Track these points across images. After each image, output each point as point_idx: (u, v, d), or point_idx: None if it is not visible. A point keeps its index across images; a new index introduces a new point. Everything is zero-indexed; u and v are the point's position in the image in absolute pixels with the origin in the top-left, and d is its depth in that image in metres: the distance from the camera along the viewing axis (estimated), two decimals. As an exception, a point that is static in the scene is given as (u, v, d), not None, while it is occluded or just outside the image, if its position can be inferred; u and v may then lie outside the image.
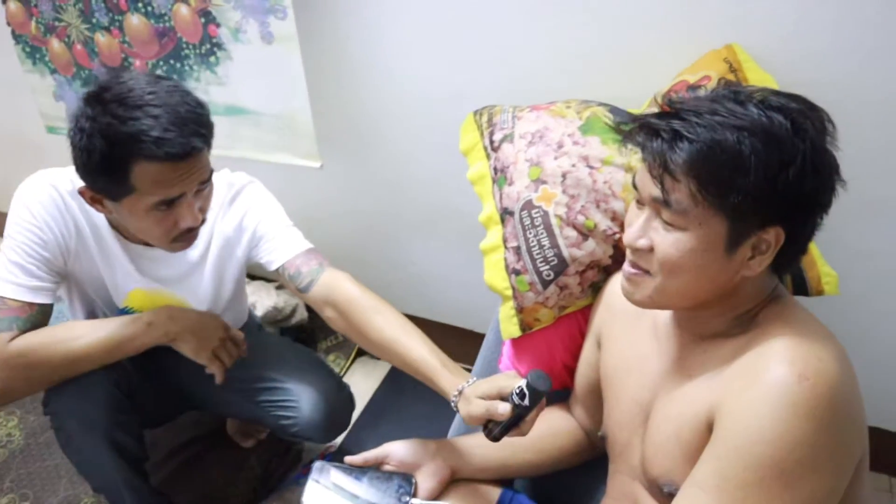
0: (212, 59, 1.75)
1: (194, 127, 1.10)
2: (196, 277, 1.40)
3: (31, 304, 1.22)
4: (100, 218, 1.29)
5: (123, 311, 1.41)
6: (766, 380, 0.75)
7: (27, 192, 1.24)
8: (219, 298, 1.45)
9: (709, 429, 0.81)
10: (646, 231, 0.84)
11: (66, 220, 1.25)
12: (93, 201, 1.18)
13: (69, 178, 1.26)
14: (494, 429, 1.01)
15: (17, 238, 1.22)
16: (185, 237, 1.23)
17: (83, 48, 1.87)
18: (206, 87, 1.80)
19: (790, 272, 0.93)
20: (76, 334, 1.23)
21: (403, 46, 1.61)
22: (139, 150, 1.07)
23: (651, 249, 0.84)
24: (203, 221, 1.23)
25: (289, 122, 1.77)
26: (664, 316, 0.99)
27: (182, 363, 1.42)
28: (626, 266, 0.89)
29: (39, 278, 1.24)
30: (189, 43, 1.73)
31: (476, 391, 1.04)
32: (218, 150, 1.89)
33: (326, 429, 1.48)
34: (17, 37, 1.95)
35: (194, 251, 1.37)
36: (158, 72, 1.81)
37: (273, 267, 1.36)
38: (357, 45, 1.65)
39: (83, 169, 1.13)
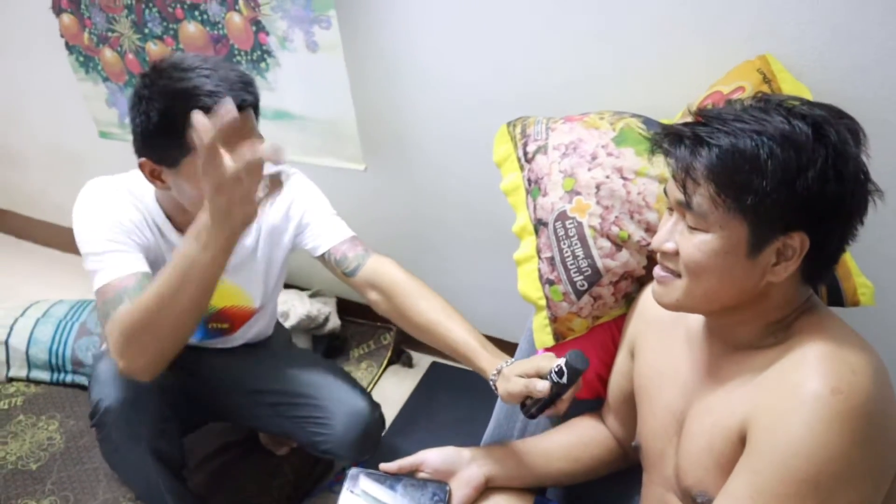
0: (262, 65, 1.80)
1: (243, 86, 1.16)
2: (249, 265, 1.44)
3: (133, 274, 1.20)
4: (159, 215, 1.32)
5: None
6: (800, 393, 0.75)
7: (89, 196, 1.27)
8: (268, 287, 1.49)
9: (741, 440, 0.81)
10: (672, 235, 0.87)
11: (133, 212, 1.28)
12: (152, 176, 1.21)
13: (121, 181, 1.30)
14: (532, 406, 1.04)
15: (96, 233, 1.22)
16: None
17: (135, 57, 1.94)
18: (256, 91, 1.86)
19: (824, 283, 0.93)
20: (153, 283, 1.12)
21: (443, 55, 1.64)
22: (195, 104, 1.09)
23: (677, 253, 0.86)
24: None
25: (333, 126, 1.82)
26: (697, 325, 0.99)
27: (217, 376, 1.44)
28: (657, 269, 0.91)
29: (132, 254, 1.24)
30: (241, 50, 1.79)
31: (515, 370, 1.08)
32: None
33: (358, 448, 1.49)
34: (70, 47, 2.03)
35: (247, 239, 1.41)
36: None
37: (319, 252, 1.40)
38: (398, 52, 1.69)
39: (142, 137, 1.17)
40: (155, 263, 1.31)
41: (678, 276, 0.87)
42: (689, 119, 0.87)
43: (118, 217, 1.25)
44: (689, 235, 0.84)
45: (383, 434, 1.60)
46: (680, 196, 0.83)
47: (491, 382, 1.13)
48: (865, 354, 0.78)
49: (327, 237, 1.40)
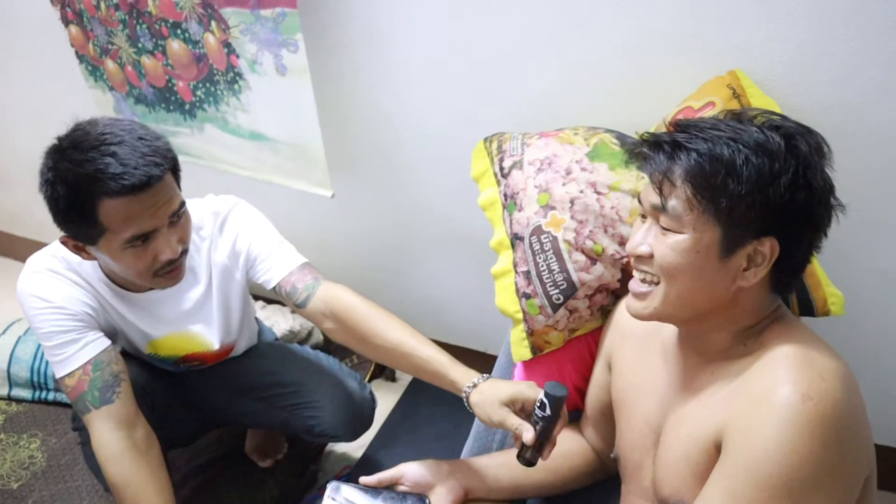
0: (235, 86, 1.81)
1: (151, 158, 1.12)
2: (206, 310, 1.43)
3: (84, 367, 1.25)
4: (104, 286, 1.32)
5: (151, 357, 1.47)
6: (771, 400, 0.77)
7: (30, 284, 1.26)
8: (230, 325, 1.48)
9: (717, 448, 0.83)
10: (646, 239, 0.89)
11: (74, 290, 1.28)
12: (76, 249, 1.21)
13: (58, 253, 1.29)
14: (526, 453, 1.04)
15: (44, 326, 1.25)
16: (170, 272, 1.24)
17: (133, 69, 1.95)
18: (233, 111, 1.87)
19: (791, 291, 0.95)
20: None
21: (412, 76, 1.64)
22: (100, 189, 1.09)
23: (651, 256, 0.88)
24: (184, 253, 1.24)
25: (302, 150, 1.82)
26: (671, 338, 1.01)
27: (208, 381, 1.45)
28: (633, 283, 0.93)
29: (82, 340, 1.27)
30: (218, 69, 1.80)
31: (498, 394, 1.07)
32: (246, 171, 1.95)
33: (351, 426, 1.53)
34: (80, 56, 2.05)
35: (199, 289, 1.40)
36: (198, 93, 1.88)
37: (270, 286, 1.38)
38: (367, 75, 1.69)
39: (55, 218, 1.16)
40: (106, 326, 1.34)
41: (655, 283, 0.89)
42: (663, 131, 0.90)
43: (61, 303, 1.26)
44: (663, 237, 0.86)
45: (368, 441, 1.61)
46: (656, 199, 0.86)
47: (463, 395, 1.12)
48: (834, 361, 0.80)
49: (276, 269, 1.37)
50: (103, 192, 1.09)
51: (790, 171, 0.80)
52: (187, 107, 1.93)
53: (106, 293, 1.32)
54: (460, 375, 1.15)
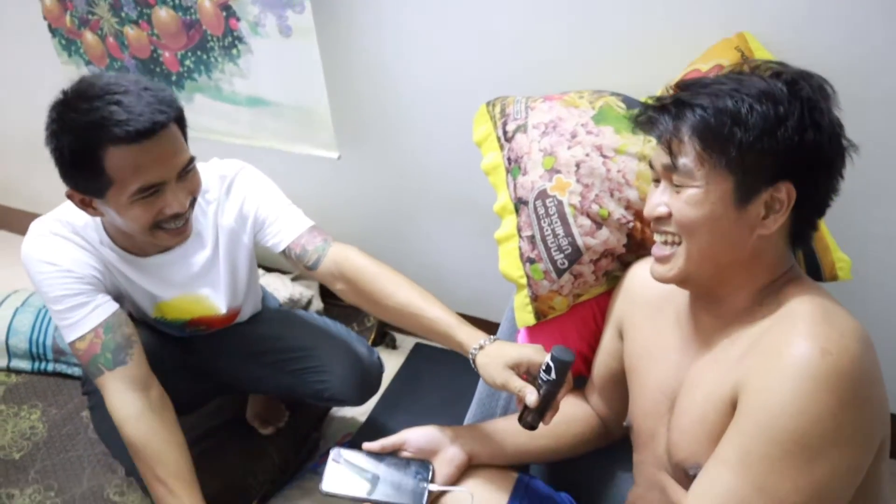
0: (234, 51, 1.78)
1: (157, 106, 1.10)
2: (213, 273, 1.42)
3: (95, 330, 1.25)
4: (108, 249, 1.31)
5: (158, 322, 1.46)
6: (789, 355, 0.76)
7: (36, 248, 1.25)
8: (237, 289, 1.48)
9: (733, 408, 0.82)
10: (661, 200, 0.89)
11: (79, 253, 1.27)
12: (83, 204, 1.19)
13: (62, 217, 1.28)
14: (528, 415, 1.03)
15: (51, 291, 1.24)
16: (175, 227, 1.22)
17: (115, 41, 1.91)
18: (229, 78, 1.83)
19: (809, 242, 0.95)
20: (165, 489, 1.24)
21: (419, 37, 1.62)
22: (106, 136, 1.07)
23: (670, 215, 0.88)
24: (192, 206, 1.23)
25: (307, 113, 1.80)
26: (685, 304, 1.00)
27: (214, 346, 1.44)
28: (655, 248, 0.93)
29: (91, 303, 1.26)
30: (213, 35, 1.77)
31: (503, 356, 1.06)
32: (240, 139, 1.93)
33: (359, 390, 1.54)
34: (53, 31, 2.00)
35: (206, 252, 1.39)
36: (187, 62, 1.85)
37: (279, 249, 1.38)
38: (373, 37, 1.67)
39: (61, 171, 1.14)
40: (112, 290, 1.33)
41: (677, 243, 0.89)
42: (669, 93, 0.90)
43: (69, 266, 1.25)
44: (678, 195, 0.87)
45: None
46: (666, 159, 0.86)
47: (470, 356, 1.11)
48: (852, 320, 0.80)
49: (285, 232, 1.37)
50: (109, 139, 1.07)
51: (796, 114, 0.81)
52: (174, 78, 1.89)
53: (111, 257, 1.31)
54: (467, 336, 1.14)
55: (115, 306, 1.29)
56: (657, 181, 0.92)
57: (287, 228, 1.38)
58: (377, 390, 1.62)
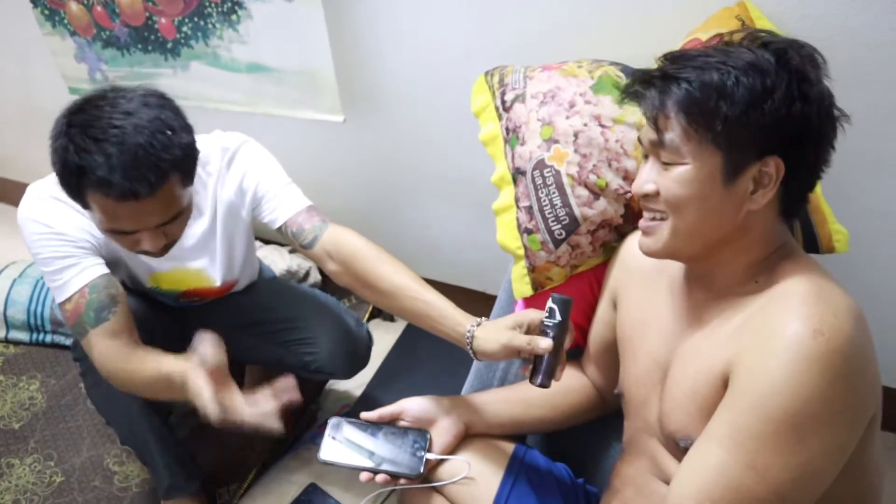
0: (233, 17, 1.75)
1: (144, 172, 1.08)
2: (210, 246, 1.42)
3: (81, 291, 1.24)
4: None
5: (153, 291, 1.47)
6: (782, 335, 0.76)
7: (32, 209, 1.25)
8: (233, 262, 1.48)
9: (724, 384, 0.83)
10: (649, 177, 0.88)
11: (75, 216, 1.27)
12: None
13: (58, 183, 1.26)
14: (538, 375, 1.01)
15: (44, 251, 1.24)
16: (152, 253, 1.23)
17: (103, 9, 1.87)
18: (228, 44, 1.81)
19: (799, 214, 0.95)
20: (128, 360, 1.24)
21: (424, 4, 1.61)
22: (86, 182, 1.08)
23: (658, 193, 0.87)
24: (170, 245, 1.24)
25: (311, 78, 1.79)
26: (679, 274, 1.00)
27: (206, 316, 1.45)
28: (642, 221, 0.92)
29: (80, 264, 1.26)
30: (211, 1, 1.74)
31: (503, 321, 1.06)
32: (239, 106, 1.91)
33: (347, 363, 1.55)
34: (33, 1, 1.95)
35: (204, 224, 1.39)
36: (184, 29, 1.82)
37: (276, 225, 1.38)
38: (378, 1, 1.65)
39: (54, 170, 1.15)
40: (108, 256, 1.33)
41: (663, 219, 0.88)
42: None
43: (62, 229, 1.24)
44: (666, 172, 0.86)
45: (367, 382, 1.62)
46: (653, 135, 0.85)
47: (468, 332, 1.09)
48: (845, 298, 0.79)
49: (283, 209, 1.37)
50: (89, 185, 1.08)
51: (783, 85, 0.79)
52: (170, 45, 1.86)
53: None
54: (463, 318, 1.13)
55: (104, 269, 1.28)
56: (647, 157, 0.91)
57: (285, 205, 1.37)
58: (366, 364, 1.62)
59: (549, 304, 1.01)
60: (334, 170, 1.75)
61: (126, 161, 1.06)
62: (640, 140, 0.91)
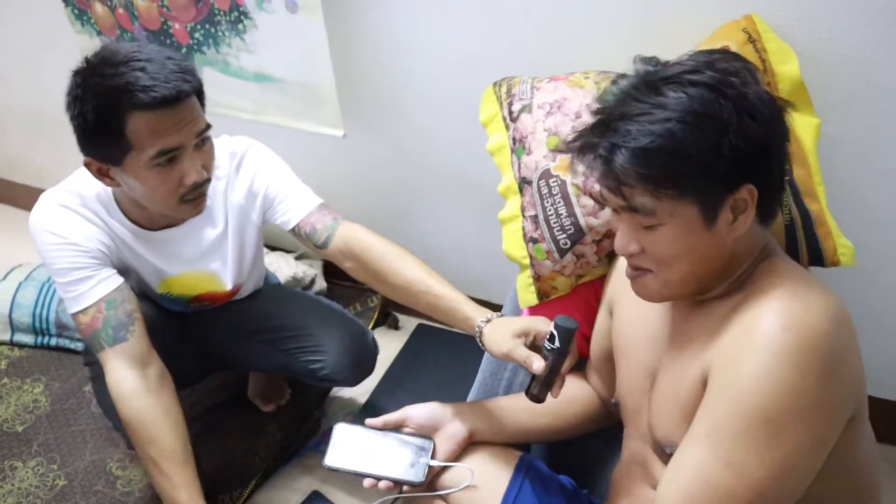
0: (240, 26, 1.76)
1: (180, 74, 1.12)
2: (222, 249, 1.43)
3: (97, 305, 1.25)
4: (118, 223, 1.31)
5: (162, 297, 1.47)
6: (753, 331, 0.78)
7: (43, 219, 1.26)
8: (243, 265, 1.49)
9: (704, 387, 0.83)
10: (631, 237, 0.87)
11: (88, 227, 1.27)
12: (100, 174, 1.20)
13: (72, 189, 1.28)
14: (535, 388, 1.03)
15: (58, 261, 1.25)
16: (194, 199, 1.23)
17: (125, 11, 1.90)
18: (236, 53, 1.83)
19: (776, 216, 0.95)
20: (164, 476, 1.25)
21: (426, 16, 1.61)
22: (129, 101, 1.08)
23: (643, 251, 0.87)
24: (208, 180, 1.24)
25: (313, 90, 1.79)
26: None
27: (213, 322, 1.46)
28: (627, 269, 0.93)
29: (95, 277, 1.26)
30: (220, 9, 1.76)
31: (511, 325, 1.08)
32: (248, 114, 1.93)
33: (353, 371, 1.56)
34: (66, 0, 1.99)
35: (215, 228, 1.39)
36: (196, 35, 1.84)
37: (289, 227, 1.39)
38: (380, 13, 1.66)
39: (82, 137, 1.15)
40: (118, 264, 1.33)
41: (651, 271, 0.88)
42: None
43: (75, 240, 1.25)
44: (647, 233, 0.85)
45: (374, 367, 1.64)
46: (622, 202, 0.83)
47: (477, 328, 1.13)
48: (822, 296, 0.80)
49: (295, 210, 1.38)
50: (132, 103, 1.08)
51: (734, 119, 0.77)
52: (184, 50, 1.88)
53: (120, 230, 1.32)
54: (474, 311, 1.16)
55: (119, 280, 1.29)
56: (616, 211, 0.88)
57: (296, 206, 1.38)
58: (371, 371, 1.63)
59: (552, 328, 1.02)
60: (337, 180, 1.76)
61: (160, 68, 1.10)
62: (602, 197, 0.88)
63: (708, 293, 0.91)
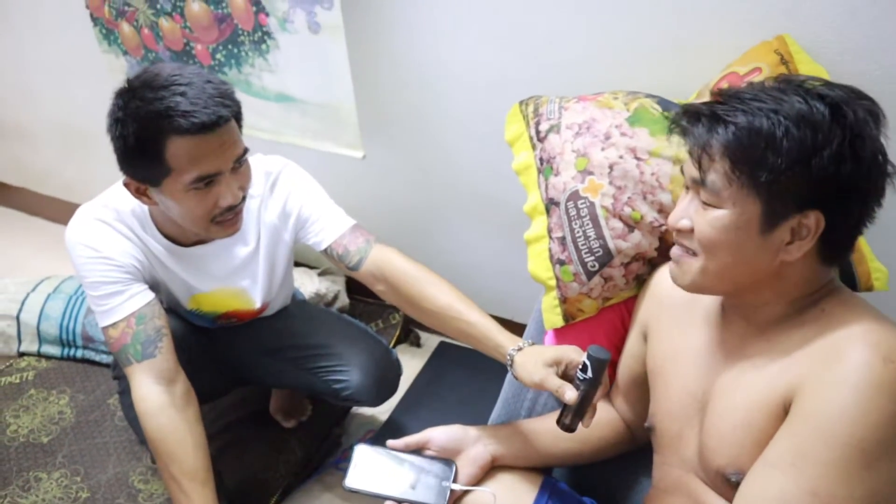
0: (263, 46, 1.78)
1: (220, 100, 1.12)
2: (252, 267, 1.43)
3: (127, 320, 1.26)
4: (152, 238, 1.32)
5: (191, 313, 1.48)
6: (850, 360, 0.76)
7: (79, 233, 1.27)
8: (272, 284, 1.49)
9: (784, 412, 0.82)
10: (687, 212, 0.88)
11: (123, 242, 1.29)
12: (138, 193, 1.21)
13: (109, 204, 1.29)
14: (566, 417, 1.02)
15: (92, 275, 1.26)
16: (228, 220, 1.24)
17: (150, 32, 1.93)
18: (259, 73, 1.84)
19: (842, 263, 0.93)
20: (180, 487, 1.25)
21: (447, 36, 1.62)
22: (169, 126, 1.09)
23: (692, 230, 0.87)
24: (243, 199, 1.24)
25: (333, 111, 1.80)
26: (714, 307, 0.99)
27: (237, 339, 1.46)
28: (674, 250, 0.92)
29: (127, 292, 1.28)
30: (244, 30, 1.77)
31: (542, 354, 1.06)
32: (268, 134, 1.94)
33: (377, 392, 1.56)
34: (94, 19, 2.03)
35: (247, 246, 1.40)
36: (218, 56, 1.87)
37: (321, 247, 1.39)
38: (401, 34, 1.67)
39: (122, 158, 1.16)
40: (150, 280, 1.34)
41: (694, 254, 0.88)
42: (707, 99, 0.88)
43: (109, 254, 1.26)
44: (703, 212, 0.85)
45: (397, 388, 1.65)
46: (695, 173, 0.85)
47: (508, 357, 1.11)
48: None
49: (328, 231, 1.38)
50: (173, 128, 1.09)
51: (835, 143, 0.77)
52: (206, 70, 1.91)
53: (154, 246, 1.33)
54: (506, 339, 1.15)
55: (150, 296, 1.30)
56: (687, 188, 0.90)
57: (329, 227, 1.38)
58: (394, 392, 1.63)
59: (585, 358, 1.00)
60: (358, 201, 1.76)
61: (200, 93, 1.11)
62: (682, 172, 0.90)
63: (760, 313, 0.90)
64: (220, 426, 1.82)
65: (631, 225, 1.15)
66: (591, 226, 1.16)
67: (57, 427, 1.86)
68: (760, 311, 0.90)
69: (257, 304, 1.48)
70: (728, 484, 0.89)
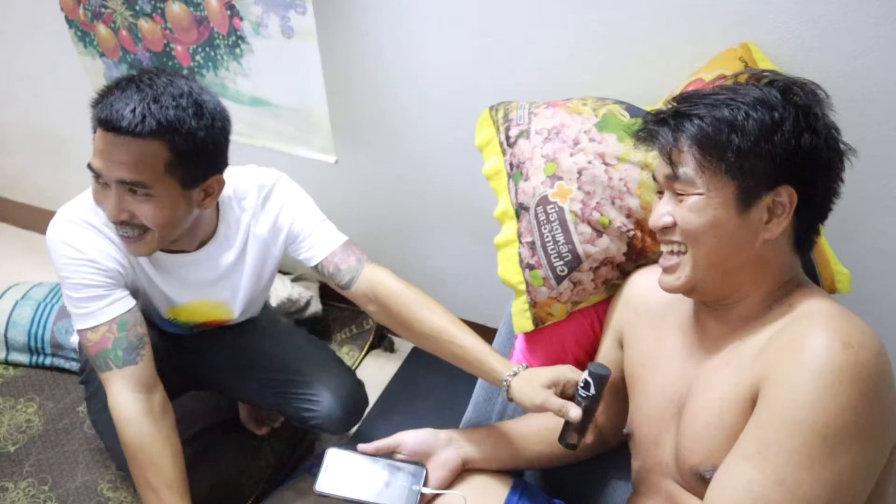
0: (237, 50, 1.77)
1: (147, 115, 1.07)
2: (235, 277, 1.41)
3: (108, 325, 1.24)
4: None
5: (167, 322, 1.46)
6: (810, 347, 0.77)
7: (64, 232, 1.24)
8: (253, 297, 1.48)
9: (752, 404, 0.83)
10: (666, 209, 0.91)
11: (103, 243, 1.26)
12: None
13: (89, 205, 1.25)
14: (569, 436, 1.03)
15: (74, 276, 1.23)
16: (121, 235, 1.21)
17: (128, 34, 1.91)
18: (234, 76, 1.84)
19: (813, 248, 0.95)
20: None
21: (420, 42, 1.62)
22: (97, 112, 1.10)
23: (675, 225, 0.90)
24: (142, 231, 1.19)
25: (306, 116, 1.80)
26: (688, 312, 1.01)
27: (208, 350, 1.45)
28: (662, 259, 0.94)
29: (107, 297, 1.25)
30: (219, 33, 1.77)
31: (539, 377, 1.06)
32: (243, 137, 1.93)
33: (344, 422, 1.56)
34: (69, 21, 2.00)
35: (229, 254, 1.38)
36: (198, 58, 1.85)
37: (312, 263, 1.38)
38: (374, 40, 1.67)
39: None
40: (131, 287, 1.32)
41: (683, 252, 0.91)
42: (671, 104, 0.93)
43: (93, 256, 1.24)
44: (681, 203, 0.89)
45: (364, 416, 1.65)
46: (668, 169, 0.89)
47: (504, 382, 1.10)
48: (864, 322, 0.81)
49: (319, 248, 1.37)
50: (97, 114, 1.10)
51: (791, 119, 0.84)
52: (185, 72, 1.90)
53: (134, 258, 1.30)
54: (500, 364, 1.14)
55: (132, 302, 1.28)
56: (661, 193, 0.94)
57: (321, 244, 1.37)
58: (360, 420, 1.64)
59: (587, 375, 1.01)
60: (331, 206, 1.76)
61: (139, 99, 1.08)
62: (654, 177, 0.95)
63: (737, 309, 0.92)
64: (192, 433, 1.80)
65: (599, 230, 1.16)
66: (560, 230, 1.17)
67: (24, 436, 1.83)
68: (734, 309, 0.92)
69: (235, 315, 1.47)
70: (703, 482, 0.89)
